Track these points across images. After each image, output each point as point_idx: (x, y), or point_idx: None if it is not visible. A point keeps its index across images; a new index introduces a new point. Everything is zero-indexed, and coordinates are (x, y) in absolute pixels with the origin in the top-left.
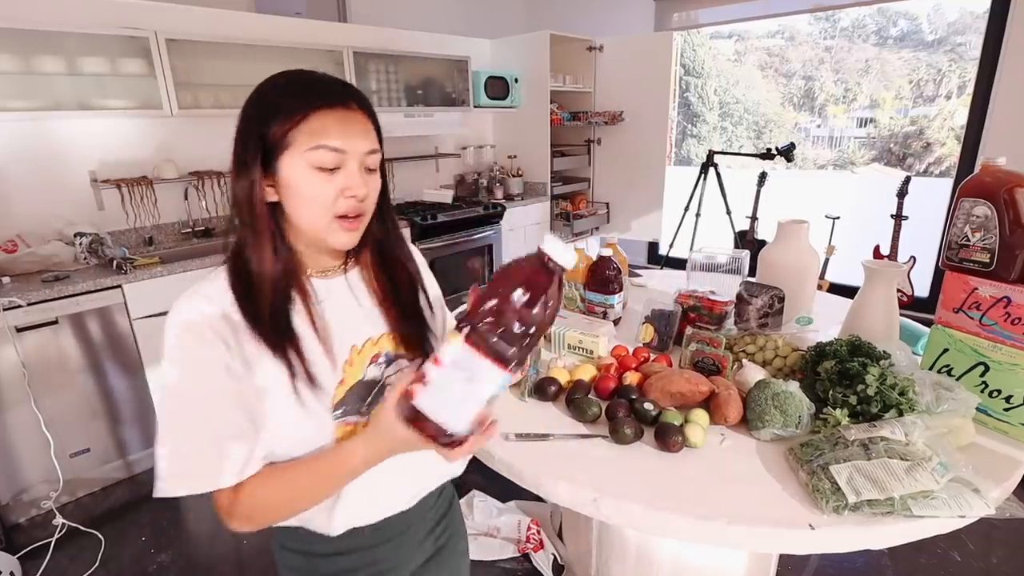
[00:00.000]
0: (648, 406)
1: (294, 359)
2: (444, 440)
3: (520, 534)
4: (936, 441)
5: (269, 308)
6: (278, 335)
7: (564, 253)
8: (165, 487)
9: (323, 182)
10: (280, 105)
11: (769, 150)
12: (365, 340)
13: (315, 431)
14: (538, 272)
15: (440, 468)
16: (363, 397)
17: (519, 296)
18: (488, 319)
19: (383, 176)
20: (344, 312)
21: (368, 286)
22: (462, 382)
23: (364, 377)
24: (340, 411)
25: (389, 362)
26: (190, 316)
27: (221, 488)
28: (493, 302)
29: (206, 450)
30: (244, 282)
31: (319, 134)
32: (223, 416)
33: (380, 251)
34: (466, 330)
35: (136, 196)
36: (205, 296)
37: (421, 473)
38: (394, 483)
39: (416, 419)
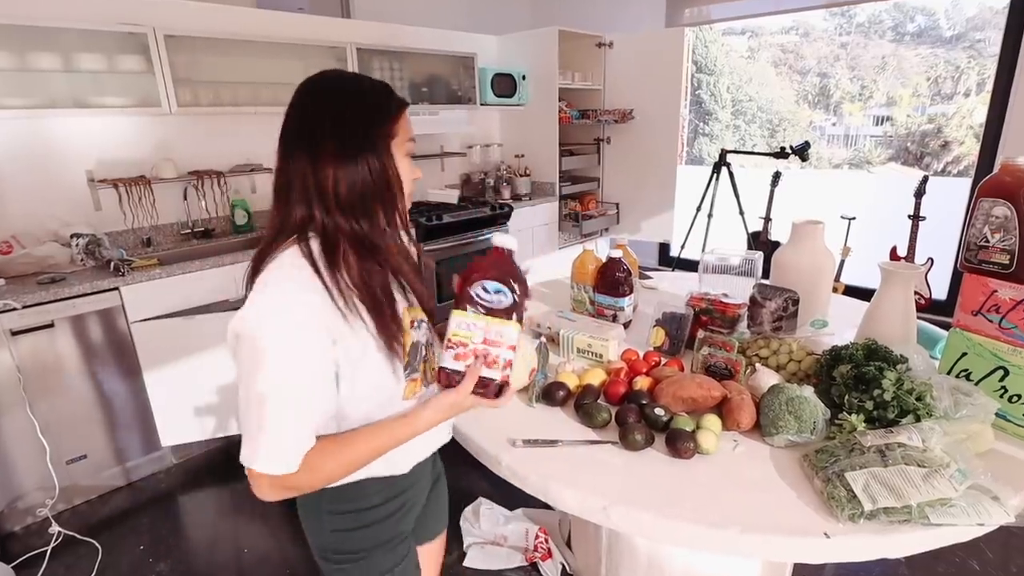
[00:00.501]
0: (659, 411)
1: (393, 327)
2: (492, 392)
3: (528, 543)
4: (954, 447)
5: (380, 282)
6: (381, 307)
7: (511, 241)
8: (259, 462)
9: (411, 165)
10: (385, 104)
11: (783, 149)
12: (404, 307)
13: (394, 389)
14: (499, 253)
15: (436, 437)
16: (414, 357)
17: (494, 272)
18: (481, 291)
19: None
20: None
21: (393, 262)
22: (493, 345)
23: (414, 339)
24: (408, 370)
25: (420, 325)
26: (294, 306)
27: (283, 472)
28: (478, 279)
29: (299, 440)
30: (347, 261)
31: (409, 129)
32: (316, 406)
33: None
34: (480, 308)
35: (134, 196)
36: (299, 284)
37: (431, 439)
38: (427, 442)
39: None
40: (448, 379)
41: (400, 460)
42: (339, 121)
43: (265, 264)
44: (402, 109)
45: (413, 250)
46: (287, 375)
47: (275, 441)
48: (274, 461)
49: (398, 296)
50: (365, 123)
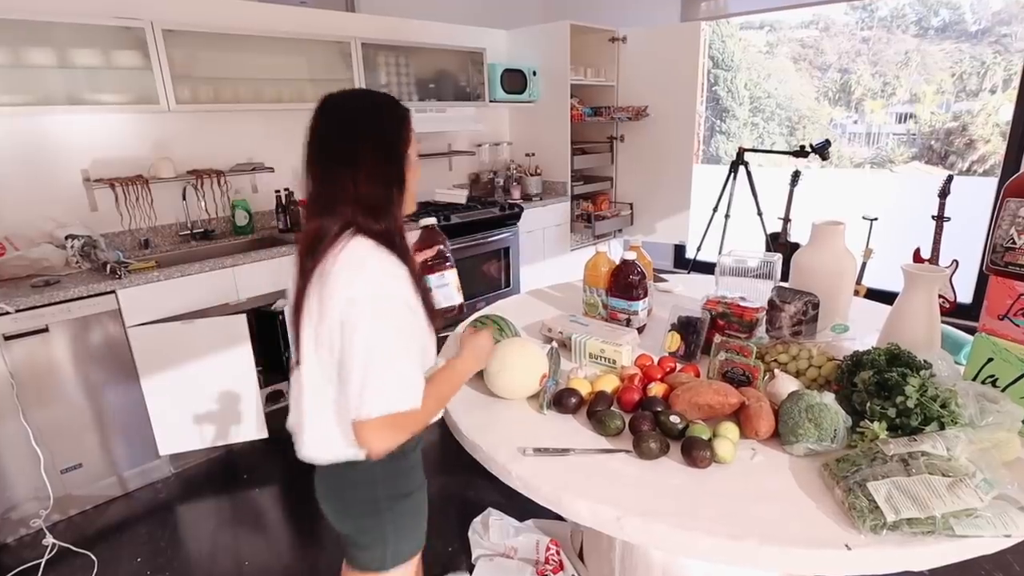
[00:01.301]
0: (674, 419)
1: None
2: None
3: (539, 555)
4: (980, 456)
5: (415, 266)
6: (425, 289)
7: (430, 219)
8: (391, 403)
9: (417, 162)
10: (400, 117)
11: (803, 147)
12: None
13: (433, 357)
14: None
15: None
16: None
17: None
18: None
19: None
20: None
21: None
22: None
23: None
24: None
25: None
26: (398, 275)
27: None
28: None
29: (421, 379)
30: (399, 247)
31: (414, 130)
32: (416, 355)
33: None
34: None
35: (131, 196)
36: (392, 262)
37: None
38: None
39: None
40: (460, 309)
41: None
42: (373, 137)
43: (332, 255)
44: (409, 115)
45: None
46: (406, 326)
47: (406, 380)
48: (405, 398)
49: None
50: (391, 139)
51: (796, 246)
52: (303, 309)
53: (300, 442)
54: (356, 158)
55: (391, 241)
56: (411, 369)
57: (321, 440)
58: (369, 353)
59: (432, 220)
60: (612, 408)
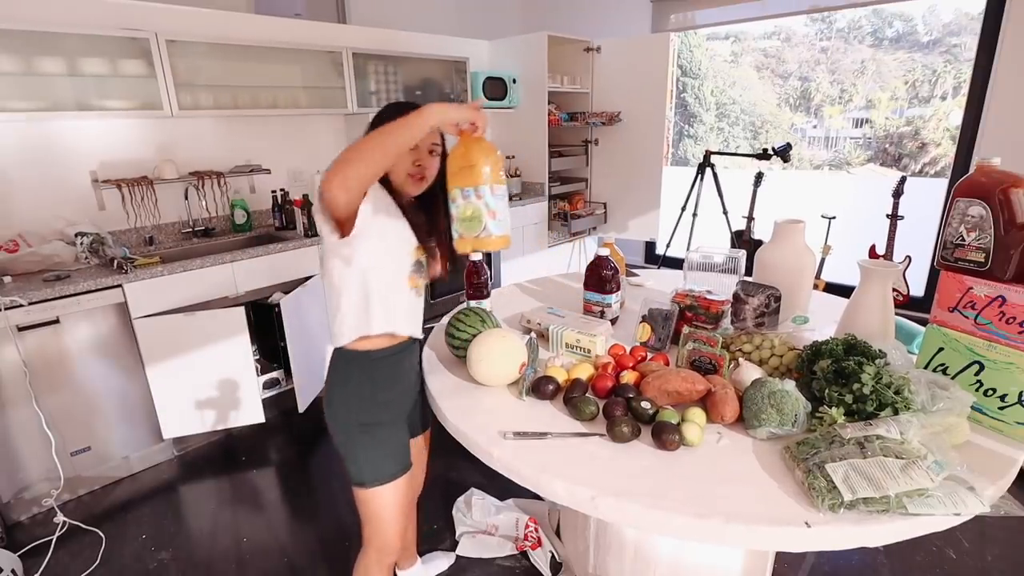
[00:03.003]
0: (645, 405)
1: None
2: None
3: (518, 532)
4: (931, 440)
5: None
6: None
7: (477, 256)
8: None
9: (407, 154)
10: (400, 112)
11: (765, 150)
12: (416, 245)
13: (405, 267)
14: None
15: (420, 326)
16: (419, 267)
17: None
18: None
19: (443, 163)
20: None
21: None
22: None
23: (417, 259)
24: (414, 268)
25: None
26: None
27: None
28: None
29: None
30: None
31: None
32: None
33: (431, 214)
34: None
35: (136, 196)
36: None
37: (420, 323)
38: (418, 319)
39: None
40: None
41: (415, 326)
42: (380, 122)
43: None
44: (403, 113)
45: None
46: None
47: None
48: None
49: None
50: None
51: (759, 243)
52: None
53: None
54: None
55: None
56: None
57: (335, 327)
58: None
59: (478, 256)
60: (587, 395)
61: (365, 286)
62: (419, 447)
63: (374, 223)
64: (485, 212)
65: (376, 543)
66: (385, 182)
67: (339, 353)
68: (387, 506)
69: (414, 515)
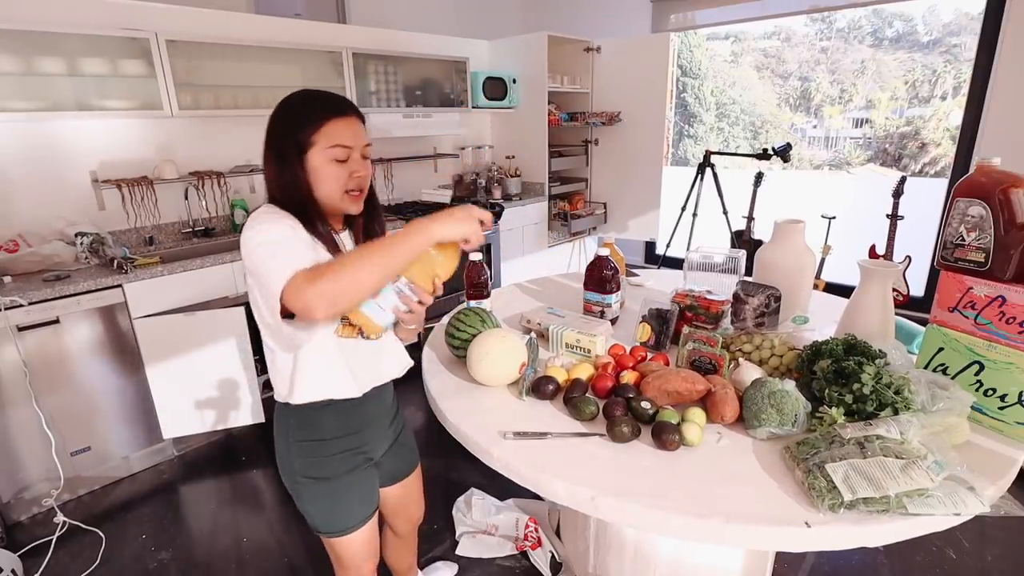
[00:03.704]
0: (645, 405)
1: None
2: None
3: (518, 532)
4: (931, 440)
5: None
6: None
7: (477, 255)
8: (282, 281)
9: (338, 169)
10: (306, 116)
11: (765, 150)
12: None
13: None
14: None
15: (390, 369)
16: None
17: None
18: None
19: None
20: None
21: (355, 243)
22: None
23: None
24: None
25: None
26: (280, 217)
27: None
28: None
29: (300, 253)
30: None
31: (338, 137)
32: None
33: (367, 223)
34: None
35: (136, 196)
36: (282, 214)
37: (382, 370)
38: (370, 370)
39: None
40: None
41: (352, 385)
42: (269, 135)
43: None
44: (322, 121)
45: (350, 245)
46: (279, 232)
47: (285, 260)
48: (289, 264)
49: None
50: (284, 137)
51: (759, 243)
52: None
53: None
54: (265, 151)
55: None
56: (287, 252)
57: (273, 376)
58: (257, 266)
59: (478, 256)
60: (587, 395)
61: (293, 347)
62: (410, 487)
63: None
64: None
65: None
66: (304, 212)
67: (280, 404)
68: (349, 553)
69: (414, 540)
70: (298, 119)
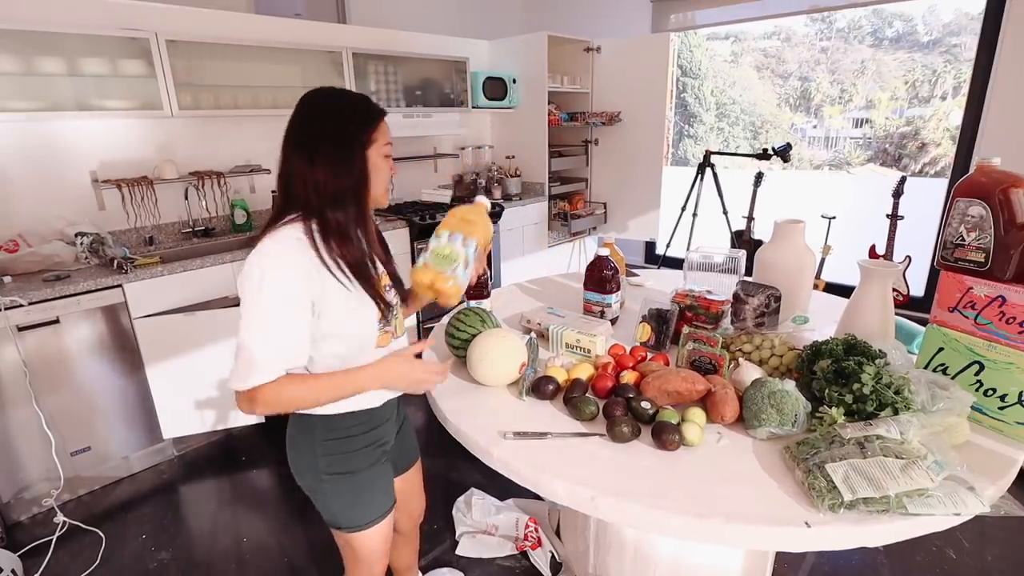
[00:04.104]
0: (645, 405)
1: (377, 288)
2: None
3: (518, 532)
4: (931, 440)
5: (361, 256)
6: (367, 274)
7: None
8: (233, 381)
9: (387, 164)
10: (367, 114)
11: (765, 150)
12: (380, 273)
13: (369, 338)
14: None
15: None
16: (389, 314)
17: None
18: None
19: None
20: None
21: (369, 238)
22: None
23: (390, 300)
24: (383, 323)
25: (390, 290)
26: (284, 259)
27: (264, 381)
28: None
29: (267, 362)
30: (336, 235)
31: (387, 134)
32: (288, 337)
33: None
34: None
35: (136, 196)
36: (295, 249)
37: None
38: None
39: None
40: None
41: (375, 397)
42: (332, 133)
43: (265, 235)
44: (380, 118)
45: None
46: (267, 305)
47: (254, 364)
48: (244, 379)
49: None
50: (351, 134)
51: (759, 243)
52: None
53: None
54: (317, 148)
55: (343, 230)
56: (264, 354)
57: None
58: (243, 328)
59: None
60: (587, 394)
61: (328, 366)
62: (411, 481)
63: (334, 315)
64: (461, 259)
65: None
66: (359, 208)
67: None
68: (367, 547)
69: (416, 537)
70: (361, 118)
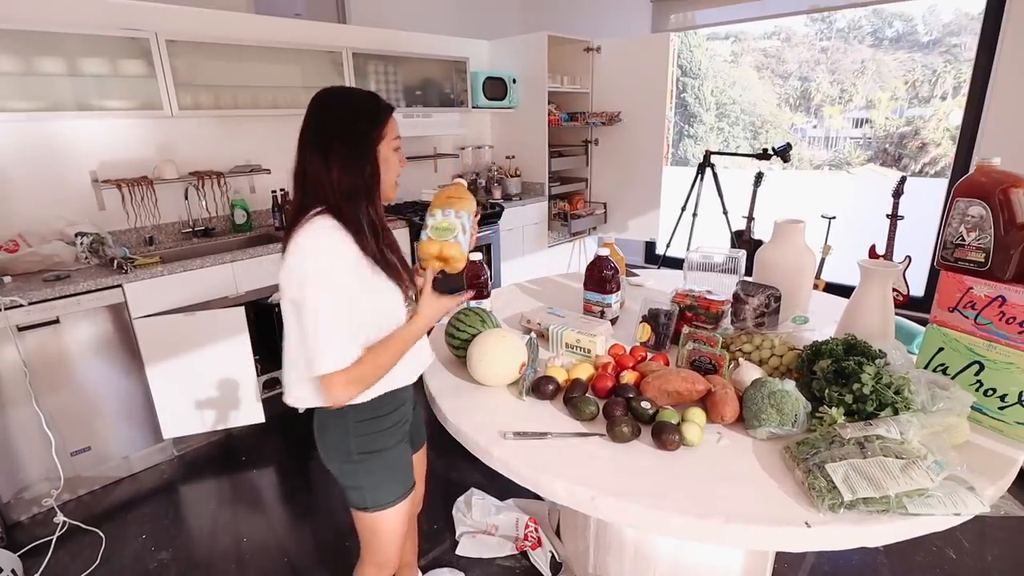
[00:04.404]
0: (645, 405)
1: (404, 276)
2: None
3: (518, 532)
4: (931, 440)
5: (379, 244)
6: (395, 268)
7: (477, 255)
8: (327, 364)
9: (397, 158)
10: (377, 111)
11: (765, 150)
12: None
13: (401, 317)
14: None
15: (426, 355)
16: (409, 296)
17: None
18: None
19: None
20: None
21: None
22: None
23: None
24: (407, 303)
25: None
26: (333, 250)
27: (348, 364)
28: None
29: (351, 338)
30: (355, 226)
31: (395, 129)
32: (352, 322)
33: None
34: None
35: (136, 196)
36: (337, 239)
37: (422, 360)
38: (418, 361)
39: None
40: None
41: (406, 374)
42: (344, 131)
43: (298, 230)
44: (389, 115)
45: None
46: (331, 294)
47: (336, 347)
48: (334, 362)
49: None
50: (362, 132)
51: (759, 243)
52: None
53: (285, 390)
54: (330, 146)
55: (357, 224)
56: (338, 332)
57: (297, 388)
58: (315, 323)
59: (478, 256)
60: (587, 395)
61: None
62: (419, 462)
63: (366, 293)
64: (459, 227)
65: (376, 560)
66: (371, 202)
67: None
68: (390, 528)
69: (415, 530)
70: (372, 114)
